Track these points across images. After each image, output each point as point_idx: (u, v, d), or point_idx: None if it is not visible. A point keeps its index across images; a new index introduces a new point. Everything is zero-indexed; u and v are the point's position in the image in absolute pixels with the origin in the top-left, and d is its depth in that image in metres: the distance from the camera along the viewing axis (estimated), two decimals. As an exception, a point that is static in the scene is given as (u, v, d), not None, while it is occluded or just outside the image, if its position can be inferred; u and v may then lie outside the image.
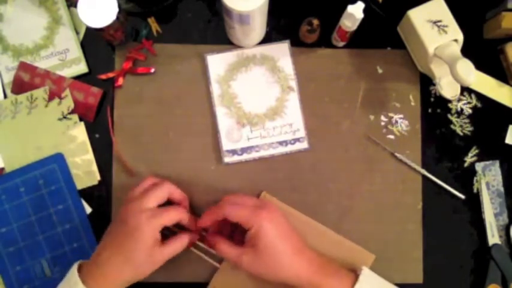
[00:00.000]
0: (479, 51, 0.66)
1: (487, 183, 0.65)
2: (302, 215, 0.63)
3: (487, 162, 0.65)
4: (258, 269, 0.55)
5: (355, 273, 0.56)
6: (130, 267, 0.53)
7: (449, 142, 0.66)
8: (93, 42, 0.66)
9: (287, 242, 0.55)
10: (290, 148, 0.65)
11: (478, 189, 0.65)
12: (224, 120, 0.65)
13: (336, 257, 0.61)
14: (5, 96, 0.65)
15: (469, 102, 0.66)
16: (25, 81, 0.64)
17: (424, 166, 0.65)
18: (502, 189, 0.65)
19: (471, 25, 0.65)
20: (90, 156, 0.64)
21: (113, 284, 0.53)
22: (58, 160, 0.63)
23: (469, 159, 0.65)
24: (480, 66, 0.65)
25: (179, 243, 0.57)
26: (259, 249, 0.54)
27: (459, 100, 0.66)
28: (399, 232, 0.64)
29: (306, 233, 0.60)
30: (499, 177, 0.65)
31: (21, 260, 0.62)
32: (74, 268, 0.53)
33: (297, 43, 0.66)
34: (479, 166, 0.65)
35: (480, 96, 0.66)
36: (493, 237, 0.63)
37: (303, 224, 0.62)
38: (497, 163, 0.65)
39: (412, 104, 0.66)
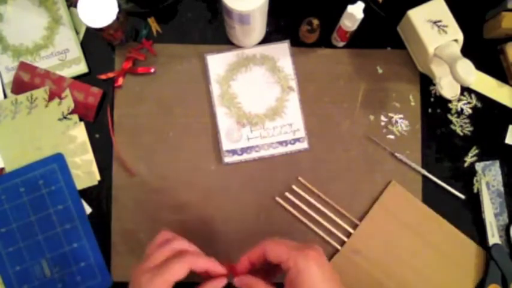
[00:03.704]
0: (479, 51, 0.66)
1: (487, 183, 0.65)
2: (425, 206, 0.63)
3: (487, 162, 0.65)
4: None
5: None
6: None
7: (449, 142, 0.66)
8: (93, 42, 0.66)
9: (331, 287, 0.47)
10: (290, 148, 0.65)
11: (478, 189, 0.65)
12: (224, 120, 0.65)
13: (450, 249, 0.63)
14: (5, 96, 0.65)
15: (469, 102, 0.66)
16: (25, 81, 0.64)
17: (424, 166, 0.65)
18: (502, 189, 0.65)
19: (471, 25, 0.64)
20: (90, 156, 0.64)
21: None
22: (58, 160, 0.63)
23: (469, 159, 0.65)
24: (480, 66, 0.65)
25: None
26: None
27: (459, 100, 0.66)
28: (399, 232, 0.64)
29: (422, 223, 0.62)
30: (499, 177, 0.65)
31: (21, 260, 0.62)
32: None
33: (297, 43, 0.66)
34: (479, 166, 0.65)
35: (480, 96, 0.66)
36: (493, 237, 0.63)
37: (423, 214, 0.63)
38: (497, 163, 0.65)
39: (412, 104, 0.66)
